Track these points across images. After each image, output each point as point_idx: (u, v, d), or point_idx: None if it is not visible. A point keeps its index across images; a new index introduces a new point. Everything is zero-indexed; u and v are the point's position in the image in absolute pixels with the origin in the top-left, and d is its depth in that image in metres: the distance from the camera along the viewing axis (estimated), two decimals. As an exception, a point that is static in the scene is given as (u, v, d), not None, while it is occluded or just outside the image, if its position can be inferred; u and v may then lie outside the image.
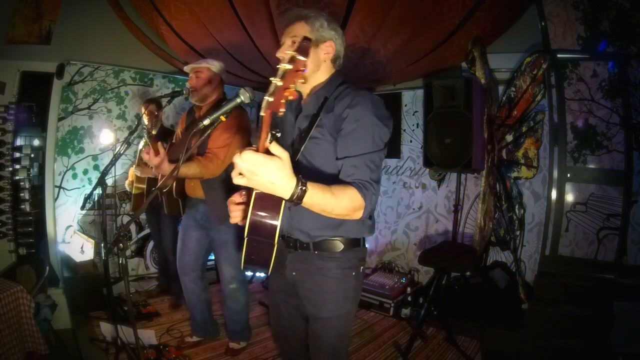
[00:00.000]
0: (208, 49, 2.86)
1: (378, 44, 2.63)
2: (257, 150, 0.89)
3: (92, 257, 3.01)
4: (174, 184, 2.29)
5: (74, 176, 3.19)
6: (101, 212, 2.77)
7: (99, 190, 2.18)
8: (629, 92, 2.44)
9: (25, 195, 2.79)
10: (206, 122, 1.19)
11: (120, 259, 1.39)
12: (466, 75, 2.91)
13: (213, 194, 2.16)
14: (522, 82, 2.80)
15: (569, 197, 2.71)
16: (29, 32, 2.76)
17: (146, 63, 3.45)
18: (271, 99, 0.86)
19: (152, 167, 1.94)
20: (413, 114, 3.64)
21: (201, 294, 2.39)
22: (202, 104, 2.25)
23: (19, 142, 2.80)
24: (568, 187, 2.70)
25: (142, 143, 3.07)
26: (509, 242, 2.98)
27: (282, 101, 0.87)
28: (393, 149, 3.67)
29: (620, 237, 2.47)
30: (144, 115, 2.86)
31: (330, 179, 1.08)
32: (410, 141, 3.66)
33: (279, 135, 0.95)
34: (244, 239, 1.02)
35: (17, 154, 2.76)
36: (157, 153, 1.86)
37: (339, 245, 1.25)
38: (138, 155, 3.05)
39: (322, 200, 0.99)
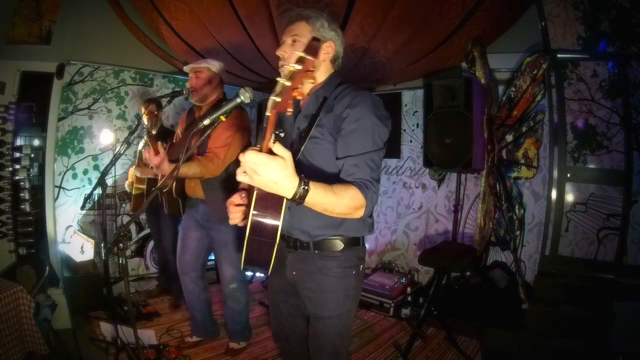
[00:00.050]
0: (208, 49, 2.87)
1: (378, 44, 2.63)
2: (260, 150, 0.90)
3: (92, 257, 3.01)
4: (174, 184, 2.29)
5: (74, 176, 3.19)
6: (101, 212, 2.77)
7: (99, 190, 2.18)
8: (629, 92, 2.44)
9: (25, 195, 2.79)
10: (206, 122, 1.19)
11: (120, 259, 1.39)
12: (466, 75, 2.91)
13: (213, 194, 2.16)
14: (522, 82, 2.80)
15: (569, 197, 2.71)
16: (29, 32, 2.76)
17: (146, 63, 3.45)
18: (278, 99, 0.86)
19: (152, 167, 1.95)
20: (413, 114, 3.64)
21: (201, 294, 2.39)
22: (202, 104, 2.25)
23: (19, 142, 2.80)
24: (568, 187, 2.70)
25: (142, 143, 3.06)
26: (509, 242, 2.98)
27: (290, 101, 0.87)
28: (393, 149, 3.67)
29: (620, 237, 2.47)
30: (144, 115, 2.86)
31: (330, 179, 1.09)
32: (410, 141, 3.66)
33: (282, 135, 0.95)
34: (244, 239, 1.03)
35: (17, 154, 2.76)
36: (157, 153, 1.86)
37: (339, 244, 1.26)
38: (138, 155, 3.05)
39: (324, 199, 0.99)
